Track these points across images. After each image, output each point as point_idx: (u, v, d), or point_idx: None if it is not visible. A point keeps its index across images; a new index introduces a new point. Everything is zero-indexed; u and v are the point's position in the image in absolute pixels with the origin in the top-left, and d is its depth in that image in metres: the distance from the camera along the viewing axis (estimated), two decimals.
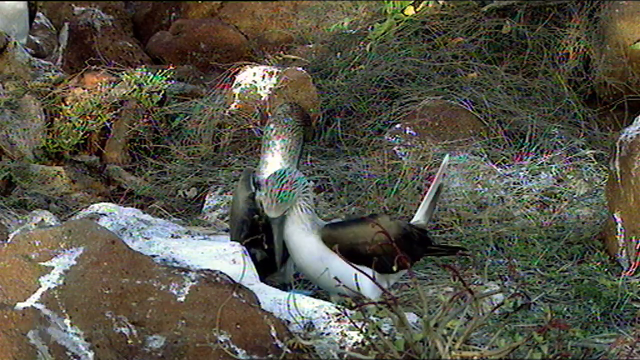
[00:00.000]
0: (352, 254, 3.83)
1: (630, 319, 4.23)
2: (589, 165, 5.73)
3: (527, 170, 5.63)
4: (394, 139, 5.90)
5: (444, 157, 4.29)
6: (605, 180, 5.22)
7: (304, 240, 4.06)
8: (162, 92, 6.62)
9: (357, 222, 4.14)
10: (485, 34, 6.79)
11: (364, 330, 3.28)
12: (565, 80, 6.61)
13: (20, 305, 3.37)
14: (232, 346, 3.42)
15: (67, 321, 3.37)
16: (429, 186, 5.38)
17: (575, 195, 5.48)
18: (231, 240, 4.25)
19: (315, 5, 8.18)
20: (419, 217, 4.27)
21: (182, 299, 3.47)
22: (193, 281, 3.51)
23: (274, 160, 4.37)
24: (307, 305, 3.68)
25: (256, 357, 3.42)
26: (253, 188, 4.35)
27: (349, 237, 4.02)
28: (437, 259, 4.75)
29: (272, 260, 4.22)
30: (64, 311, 3.38)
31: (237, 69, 6.63)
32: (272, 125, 4.41)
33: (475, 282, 4.40)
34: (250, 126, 6.27)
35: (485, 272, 3.84)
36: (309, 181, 4.13)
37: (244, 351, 3.42)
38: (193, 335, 3.41)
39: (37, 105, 6.41)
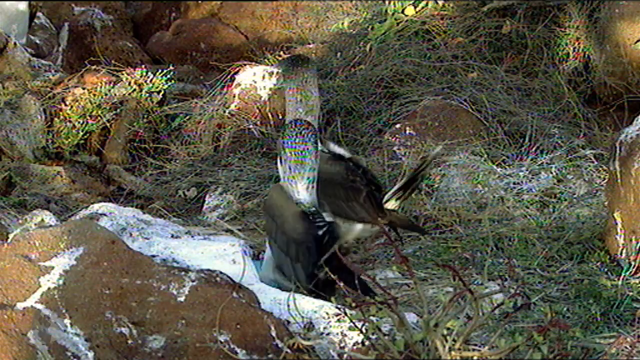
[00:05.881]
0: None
1: (630, 319, 4.22)
2: (589, 165, 5.72)
3: (527, 170, 5.63)
4: (394, 139, 5.90)
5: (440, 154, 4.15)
6: (605, 180, 5.21)
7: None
8: (162, 92, 6.62)
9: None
10: (485, 34, 6.78)
11: (364, 330, 3.28)
12: (565, 80, 6.60)
13: (20, 305, 3.37)
14: (232, 346, 3.42)
15: (67, 321, 3.37)
16: (428, 186, 5.37)
17: (575, 195, 5.47)
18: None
19: (315, 5, 8.18)
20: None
21: (182, 299, 3.47)
22: (193, 281, 3.51)
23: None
24: (307, 305, 3.68)
25: (256, 357, 3.42)
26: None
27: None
28: (436, 259, 4.74)
29: None
30: (64, 311, 3.38)
31: (237, 69, 6.63)
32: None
33: (475, 282, 4.39)
34: (250, 126, 6.27)
35: (485, 272, 3.81)
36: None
37: (244, 351, 3.42)
38: (193, 335, 3.41)
39: (37, 105, 6.41)
